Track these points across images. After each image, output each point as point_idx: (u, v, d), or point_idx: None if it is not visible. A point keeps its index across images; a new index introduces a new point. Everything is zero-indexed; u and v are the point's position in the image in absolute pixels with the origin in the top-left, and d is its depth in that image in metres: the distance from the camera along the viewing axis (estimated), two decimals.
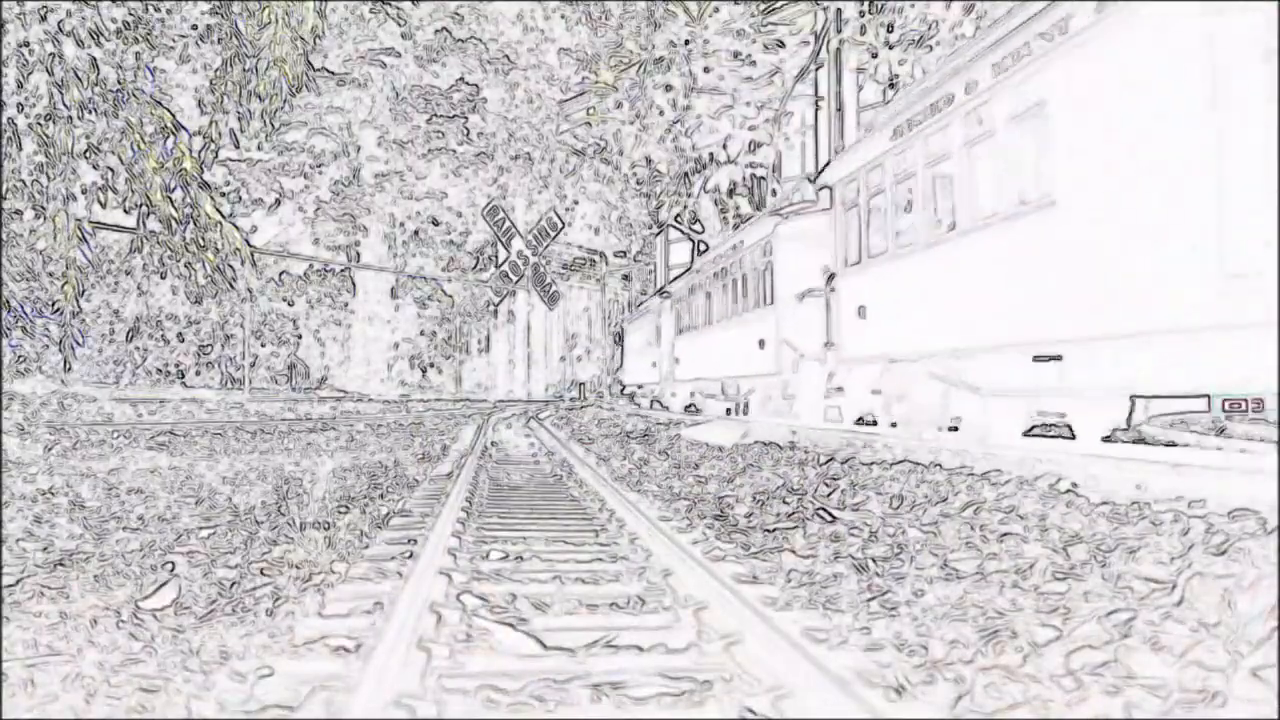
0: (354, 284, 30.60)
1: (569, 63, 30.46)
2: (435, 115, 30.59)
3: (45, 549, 5.82)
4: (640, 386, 29.88)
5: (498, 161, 31.35)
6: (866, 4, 18.49)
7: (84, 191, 16.18)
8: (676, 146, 23.97)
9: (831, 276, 13.30)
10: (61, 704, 3.60)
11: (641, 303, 30.87)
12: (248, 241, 20.46)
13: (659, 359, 26.42)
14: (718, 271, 19.75)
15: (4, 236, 15.85)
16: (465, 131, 30.93)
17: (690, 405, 22.66)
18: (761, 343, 16.05)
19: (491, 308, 32.49)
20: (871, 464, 8.89)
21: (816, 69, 22.87)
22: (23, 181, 15.70)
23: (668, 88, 23.50)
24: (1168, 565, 4.39)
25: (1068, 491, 6.20)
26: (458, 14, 29.15)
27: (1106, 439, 7.69)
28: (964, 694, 3.38)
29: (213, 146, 17.89)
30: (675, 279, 25.12)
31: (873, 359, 11.66)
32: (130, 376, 25.61)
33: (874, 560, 5.31)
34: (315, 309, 29.88)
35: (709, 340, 20.71)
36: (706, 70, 23.17)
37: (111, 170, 15.85)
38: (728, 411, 19.26)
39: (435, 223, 31.21)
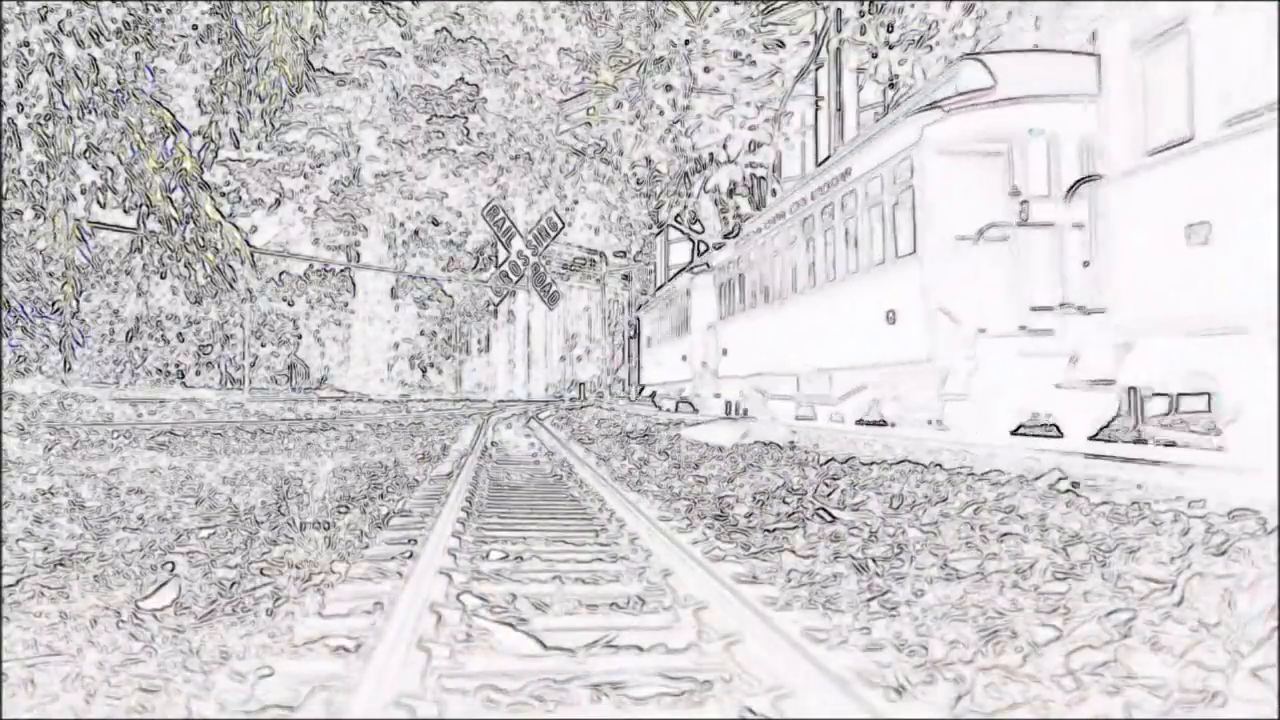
0: (354, 284, 30.61)
1: (569, 63, 30.47)
2: (435, 115, 30.60)
3: (45, 549, 5.82)
4: (664, 385, 25.39)
5: (498, 161, 31.36)
6: (866, 4, 18.50)
7: (84, 191, 16.20)
8: (676, 146, 23.98)
9: (1077, 185, 8.81)
10: (61, 704, 3.60)
11: (662, 286, 28.02)
12: (248, 241, 20.46)
13: (690, 351, 22.14)
14: (800, 221, 14.65)
15: (4, 236, 15.86)
16: (465, 131, 30.94)
17: (734, 406, 18.37)
18: (890, 315, 11.08)
19: (491, 308, 32.50)
20: (871, 464, 8.89)
21: (816, 69, 22.87)
22: (23, 181, 15.70)
23: (668, 88, 23.51)
24: (1168, 565, 4.39)
25: (1068, 491, 6.20)
26: (458, 14, 29.16)
27: None
28: (964, 694, 3.38)
29: (213, 146, 17.89)
30: (718, 246, 20.94)
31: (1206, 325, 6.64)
32: (130, 376, 25.62)
33: (874, 560, 5.31)
34: (315, 309, 29.88)
35: (783, 320, 15.42)
36: (706, 70, 23.19)
37: (111, 170, 15.86)
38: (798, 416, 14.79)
39: (435, 223, 31.22)
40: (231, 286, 20.92)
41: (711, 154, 23.76)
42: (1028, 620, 3.96)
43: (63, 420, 16.67)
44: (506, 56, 30.35)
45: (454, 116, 30.68)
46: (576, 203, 31.83)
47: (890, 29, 17.72)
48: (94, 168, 16.11)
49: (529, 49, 30.24)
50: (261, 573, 5.26)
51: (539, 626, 4.38)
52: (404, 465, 11.62)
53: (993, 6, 15.63)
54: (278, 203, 28.63)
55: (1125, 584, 4.27)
